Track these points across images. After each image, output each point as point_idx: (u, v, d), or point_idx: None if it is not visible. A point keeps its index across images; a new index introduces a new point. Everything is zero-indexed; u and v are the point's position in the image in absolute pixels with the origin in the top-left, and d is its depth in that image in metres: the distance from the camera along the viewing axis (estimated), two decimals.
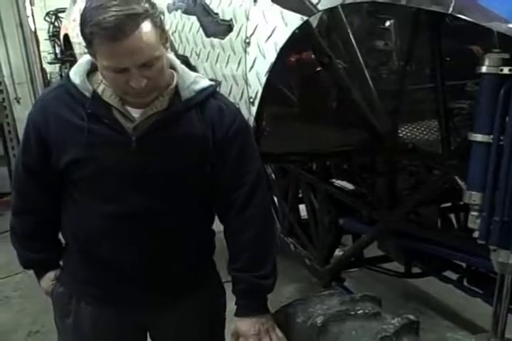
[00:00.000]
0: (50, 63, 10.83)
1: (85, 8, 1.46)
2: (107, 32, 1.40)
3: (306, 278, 3.72)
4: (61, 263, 1.88)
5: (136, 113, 1.61)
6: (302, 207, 3.50)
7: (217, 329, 1.95)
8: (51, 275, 1.86)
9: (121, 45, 1.41)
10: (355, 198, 2.80)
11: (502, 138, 1.54)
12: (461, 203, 2.91)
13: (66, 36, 6.71)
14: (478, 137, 1.60)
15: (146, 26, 1.43)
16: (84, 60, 1.66)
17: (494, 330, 1.70)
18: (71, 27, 6.42)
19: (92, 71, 1.64)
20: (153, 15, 1.46)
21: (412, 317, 1.44)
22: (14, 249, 1.86)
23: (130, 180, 1.62)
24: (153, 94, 1.57)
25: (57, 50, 11.04)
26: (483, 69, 1.56)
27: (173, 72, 1.66)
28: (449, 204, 3.02)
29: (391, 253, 3.05)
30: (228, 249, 1.79)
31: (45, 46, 11.76)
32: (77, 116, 1.59)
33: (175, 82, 1.64)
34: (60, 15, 10.67)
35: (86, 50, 1.58)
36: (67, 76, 1.65)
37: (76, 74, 1.63)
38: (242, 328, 1.71)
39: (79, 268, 1.78)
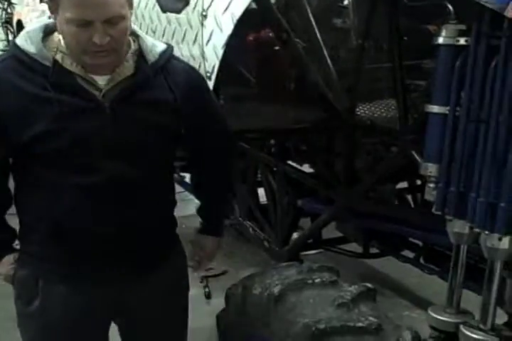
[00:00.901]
0: (2, 51, 10.57)
1: None
2: None
3: (264, 262, 3.71)
4: (17, 245, 1.79)
5: (101, 80, 1.56)
6: (261, 192, 3.49)
7: (182, 309, 1.94)
8: (10, 258, 1.75)
9: None
10: (314, 179, 2.80)
11: (458, 109, 1.56)
12: (418, 184, 2.95)
13: (19, 22, 6.55)
14: (435, 108, 1.61)
15: None
16: (34, 27, 1.58)
17: (449, 301, 1.72)
18: (24, 13, 6.27)
19: (44, 38, 1.57)
20: None
21: (368, 285, 1.44)
22: None
23: (106, 149, 1.57)
24: (111, 56, 1.52)
25: (11, 37, 10.77)
26: (440, 40, 1.57)
27: (132, 39, 1.62)
28: (406, 186, 3.06)
29: (349, 234, 3.07)
30: (197, 190, 2.02)
31: None
32: (39, 87, 1.51)
33: (136, 47, 1.62)
34: (12, 1, 10.41)
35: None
36: (16, 46, 1.55)
37: (29, 42, 1.54)
38: (208, 244, 1.94)
39: (46, 248, 1.68)
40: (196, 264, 1.95)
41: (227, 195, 2.10)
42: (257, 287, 1.52)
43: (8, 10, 10.81)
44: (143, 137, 1.61)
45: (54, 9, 1.47)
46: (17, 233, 1.76)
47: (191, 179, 2.05)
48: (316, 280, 1.44)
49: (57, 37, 1.55)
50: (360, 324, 1.28)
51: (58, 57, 1.53)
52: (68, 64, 1.53)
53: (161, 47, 1.66)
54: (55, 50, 1.54)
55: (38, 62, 1.52)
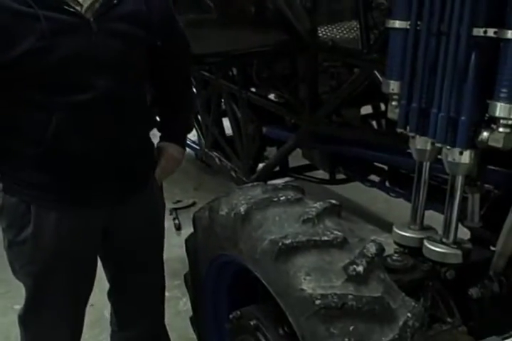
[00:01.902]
0: None
1: None
2: None
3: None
4: None
5: None
6: (227, 123, 3.47)
7: (161, 228, 2.02)
8: None
9: None
10: (278, 105, 2.78)
11: (419, 23, 1.53)
12: (383, 110, 2.94)
13: None
14: (396, 23, 1.58)
15: None
16: None
17: (413, 217, 1.75)
18: None
19: None
20: None
21: (333, 201, 1.46)
22: None
23: (95, 64, 1.57)
24: None
25: None
26: None
27: None
28: (370, 112, 3.05)
29: (316, 161, 3.08)
30: (159, 103, 1.97)
31: None
32: (21, 3, 1.47)
33: None
34: None
35: None
36: None
37: None
38: (171, 152, 1.94)
39: (36, 173, 1.66)
40: (159, 172, 1.93)
41: (189, 107, 2.14)
42: (224, 208, 1.52)
43: None
44: (127, 50, 1.64)
45: None
46: None
47: (153, 96, 1.99)
48: (282, 198, 1.44)
49: None
50: (325, 238, 1.30)
51: None
52: None
53: None
54: None
55: None
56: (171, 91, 1.95)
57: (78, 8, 1.54)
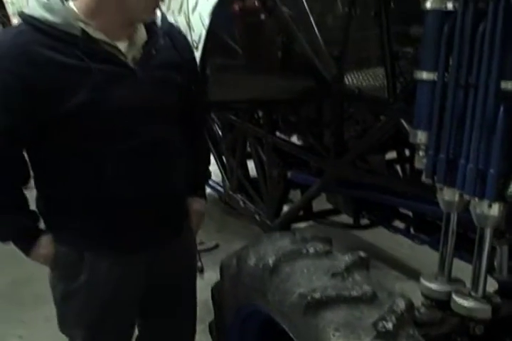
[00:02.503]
0: None
1: None
2: None
3: (256, 235, 3.72)
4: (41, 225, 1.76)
5: (122, 46, 1.60)
6: (251, 166, 3.48)
7: (195, 275, 2.05)
8: (48, 238, 1.73)
9: None
10: (303, 150, 2.79)
11: (446, 74, 1.55)
12: (407, 155, 2.94)
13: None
14: (424, 74, 1.60)
15: None
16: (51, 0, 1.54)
17: (441, 269, 1.72)
18: None
19: None
20: None
21: (362, 253, 1.44)
22: None
23: (143, 111, 1.62)
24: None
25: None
26: (428, 5, 1.55)
27: None
28: (395, 157, 3.05)
29: (340, 205, 3.07)
30: None
31: None
32: (72, 57, 1.50)
33: None
34: None
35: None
36: (33, 17, 1.51)
37: (51, 13, 1.51)
38: (197, 207, 1.98)
39: (87, 221, 1.69)
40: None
41: (207, 158, 2.17)
42: (252, 257, 1.52)
43: None
44: (167, 96, 1.70)
45: None
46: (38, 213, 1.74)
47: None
48: (310, 250, 1.44)
49: (74, 6, 1.55)
50: (354, 293, 1.28)
51: (82, 25, 1.52)
52: (92, 32, 1.53)
53: (158, 12, 1.71)
54: (76, 19, 1.53)
55: (64, 32, 1.50)
56: (192, 143, 1.96)
57: (122, 58, 1.59)
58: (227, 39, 2.38)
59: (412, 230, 2.74)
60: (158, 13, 1.71)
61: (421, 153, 1.67)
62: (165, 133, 1.70)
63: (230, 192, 3.64)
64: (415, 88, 1.65)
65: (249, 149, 3.40)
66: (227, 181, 3.68)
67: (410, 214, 2.73)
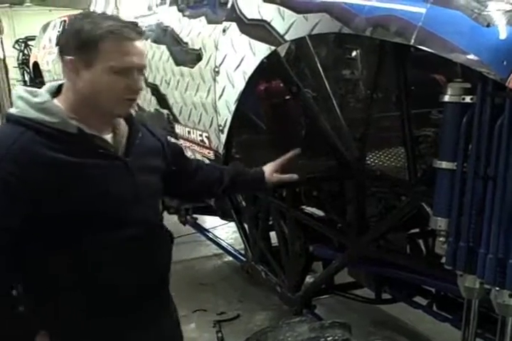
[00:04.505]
0: None
1: (73, 22, 1.56)
2: (126, 31, 1.51)
3: (277, 306, 3.70)
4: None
5: (109, 138, 1.65)
6: (273, 235, 3.50)
7: None
8: (45, 336, 1.67)
9: (136, 44, 1.53)
10: (325, 225, 2.81)
11: (465, 165, 1.58)
12: (429, 229, 2.94)
13: (36, 64, 6.70)
14: (443, 164, 1.64)
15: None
16: (40, 99, 1.57)
17: None
18: (41, 55, 6.41)
19: None
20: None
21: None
22: None
23: (135, 200, 1.66)
24: (134, 107, 1.70)
25: (27, 78, 10.98)
26: (446, 98, 1.61)
27: None
28: (417, 230, 3.05)
29: (361, 279, 3.06)
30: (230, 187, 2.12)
31: (14, 74, 11.71)
32: (69, 155, 1.53)
33: None
34: (29, 42, 10.65)
35: (56, 77, 1.58)
36: (28, 119, 1.54)
37: (46, 114, 1.54)
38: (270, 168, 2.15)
39: (76, 311, 1.66)
40: None
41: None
42: None
43: (25, 51, 11.08)
44: (154, 181, 1.76)
45: (85, 64, 1.52)
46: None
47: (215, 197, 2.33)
48: (329, 339, 1.45)
49: (59, 103, 1.59)
50: None
51: (76, 123, 1.56)
52: (86, 128, 1.58)
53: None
54: (69, 117, 1.56)
55: (61, 131, 1.54)
56: (220, 177, 2.10)
57: (113, 150, 1.64)
58: (252, 116, 2.46)
59: (434, 307, 2.72)
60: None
61: (441, 239, 1.70)
62: (152, 215, 1.76)
63: (252, 263, 3.64)
64: (436, 172, 1.69)
65: (271, 221, 3.43)
66: (249, 251, 3.69)
67: (433, 290, 2.71)
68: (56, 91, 1.63)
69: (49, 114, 1.54)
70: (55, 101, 1.60)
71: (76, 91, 1.58)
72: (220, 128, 2.17)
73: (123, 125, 1.70)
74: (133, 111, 1.76)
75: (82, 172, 1.55)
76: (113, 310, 1.69)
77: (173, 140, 2.71)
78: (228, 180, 2.08)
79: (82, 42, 1.52)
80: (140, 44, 1.55)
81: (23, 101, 1.57)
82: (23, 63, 11.09)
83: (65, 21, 10.57)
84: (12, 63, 11.42)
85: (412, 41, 1.36)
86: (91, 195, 1.57)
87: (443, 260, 1.70)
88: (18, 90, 1.62)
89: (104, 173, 1.59)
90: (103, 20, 1.54)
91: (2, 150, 1.50)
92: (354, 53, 2.51)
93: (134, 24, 1.58)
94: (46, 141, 1.52)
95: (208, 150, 2.40)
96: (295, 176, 2.19)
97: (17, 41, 11.60)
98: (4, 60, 6.66)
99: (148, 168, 1.73)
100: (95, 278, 1.62)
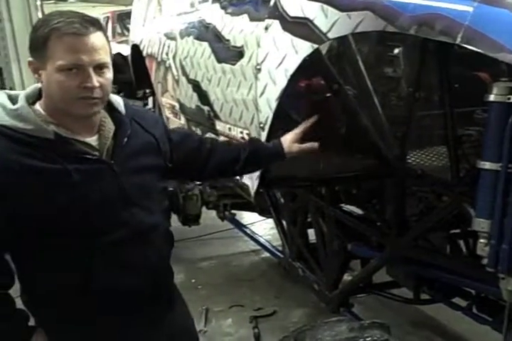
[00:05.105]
0: None
1: (37, 21, 1.56)
2: (70, 27, 1.45)
3: (314, 303, 3.70)
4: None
5: (92, 141, 1.61)
6: (311, 231, 3.50)
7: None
8: (40, 335, 1.67)
9: (84, 40, 1.46)
10: (364, 224, 2.80)
11: (510, 165, 1.56)
12: (470, 229, 2.90)
13: None
14: (487, 165, 1.61)
15: (102, 34, 1.52)
16: (18, 105, 1.54)
17: None
18: None
19: None
20: (105, 31, 1.55)
21: None
22: None
23: (124, 201, 1.63)
24: (99, 106, 1.56)
25: None
26: (491, 97, 1.58)
27: None
28: (458, 231, 3.01)
29: (400, 279, 3.03)
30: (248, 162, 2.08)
31: None
32: (47, 161, 1.50)
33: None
34: None
35: None
36: (2, 125, 1.50)
37: (21, 120, 1.51)
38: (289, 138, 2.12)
39: (75, 314, 1.66)
40: None
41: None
42: None
43: None
44: (147, 181, 1.71)
45: (41, 64, 1.49)
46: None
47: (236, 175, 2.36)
48: (368, 339, 1.44)
49: (40, 107, 1.57)
50: None
51: (53, 127, 1.53)
52: (63, 132, 1.55)
53: (119, 98, 1.73)
54: (46, 122, 1.54)
55: (37, 137, 1.51)
56: (238, 155, 2.06)
57: (97, 153, 1.59)
58: (292, 114, 2.45)
59: (474, 309, 2.68)
60: (120, 100, 1.72)
61: (483, 241, 1.67)
62: (147, 216, 1.69)
63: (290, 260, 3.65)
64: (479, 173, 1.67)
65: (309, 218, 3.42)
66: (287, 248, 3.70)
67: (473, 291, 2.68)
68: (39, 95, 1.59)
69: (23, 120, 1.51)
70: (37, 105, 1.57)
71: (45, 93, 1.56)
72: (261, 125, 2.17)
73: (109, 125, 1.64)
74: (122, 109, 1.70)
75: (62, 179, 1.52)
76: (112, 310, 1.67)
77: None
78: (245, 158, 2.04)
79: (33, 42, 1.51)
80: (93, 39, 1.48)
81: (0, 107, 1.54)
82: None
83: (108, 17, 10.74)
84: None
85: (459, 40, 1.34)
86: (71, 201, 1.53)
87: (484, 261, 1.67)
88: None
89: (86, 178, 1.54)
90: (56, 17, 1.48)
91: None
92: (396, 51, 2.48)
93: (87, 18, 1.50)
94: (22, 148, 1.49)
95: None
96: (315, 145, 2.14)
97: None
98: None
99: (140, 167, 1.68)
100: (89, 281, 1.61)
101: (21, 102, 1.54)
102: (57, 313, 1.68)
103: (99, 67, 1.50)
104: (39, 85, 1.59)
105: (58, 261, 1.60)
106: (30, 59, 1.53)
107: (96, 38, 1.48)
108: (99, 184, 1.58)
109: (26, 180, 1.48)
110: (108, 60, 1.53)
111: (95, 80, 1.49)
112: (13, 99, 1.56)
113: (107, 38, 1.55)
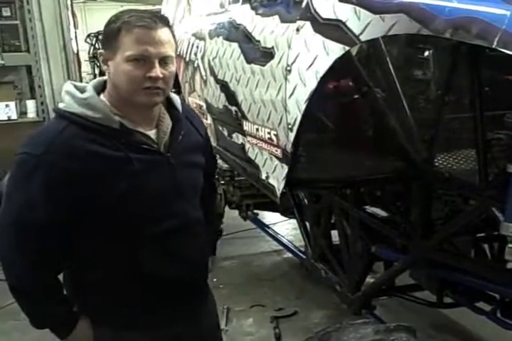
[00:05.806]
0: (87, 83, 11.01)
1: (111, 17, 1.64)
2: (141, 21, 1.56)
3: (335, 305, 3.70)
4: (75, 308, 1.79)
5: (151, 134, 1.71)
6: (334, 233, 3.49)
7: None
8: (85, 322, 1.77)
9: (152, 33, 1.56)
10: (389, 226, 2.79)
11: None
12: (495, 233, 2.88)
13: None
14: None
15: (169, 30, 1.63)
16: (86, 95, 1.64)
17: None
18: None
19: None
20: (172, 28, 1.66)
21: None
22: (32, 312, 1.73)
23: (176, 194, 1.73)
24: (161, 96, 1.65)
25: (97, 71, 11.27)
26: None
27: None
28: (482, 234, 2.99)
29: (423, 282, 3.02)
30: None
31: (84, 67, 12.03)
32: (112, 149, 1.60)
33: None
34: (100, 37, 10.91)
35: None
36: (73, 114, 1.61)
37: (90, 109, 1.61)
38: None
39: (122, 302, 1.74)
40: None
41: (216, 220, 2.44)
42: None
43: (96, 45, 11.36)
44: (195, 176, 1.83)
45: (111, 55, 1.60)
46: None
47: None
48: None
49: (105, 98, 1.67)
50: None
51: (119, 119, 1.63)
52: (128, 124, 1.65)
53: (176, 96, 1.84)
54: (112, 112, 1.64)
55: (105, 126, 1.61)
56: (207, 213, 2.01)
57: (155, 146, 1.69)
58: (320, 116, 2.46)
59: (498, 314, 2.66)
60: (177, 98, 1.83)
61: (511, 246, 1.67)
62: (192, 210, 1.81)
63: (312, 260, 3.65)
64: (508, 177, 1.66)
65: (333, 219, 3.42)
66: (309, 249, 3.70)
67: (497, 295, 2.66)
68: (103, 87, 1.69)
69: (92, 109, 1.61)
70: (101, 96, 1.67)
71: (111, 84, 1.65)
72: (290, 126, 2.18)
73: (167, 121, 1.75)
74: (179, 106, 1.81)
75: (124, 166, 1.61)
76: (156, 296, 1.74)
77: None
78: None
79: (106, 35, 1.63)
80: (161, 33, 1.58)
81: (69, 96, 1.65)
82: (94, 57, 11.39)
83: None
84: (84, 57, 11.74)
85: (495, 44, 1.33)
86: (131, 188, 1.62)
87: (510, 265, 1.67)
88: (67, 85, 1.69)
89: (146, 168, 1.64)
90: (128, 13, 1.61)
91: (45, 143, 1.58)
92: (426, 53, 2.48)
93: (157, 15, 1.63)
94: (89, 134, 1.59)
95: (275, 148, 2.41)
96: None
97: (88, 35, 11.92)
98: (77, 53, 6.86)
99: (191, 163, 1.80)
100: (138, 268, 1.70)
101: (90, 92, 1.65)
102: (104, 299, 1.74)
103: (164, 60, 1.60)
104: (103, 78, 1.70)
105: (110, 248, 1.69)
106: (101, 51, 1.64)
107: (163, 33, 1.59)
108: (157, 174, 1.67)
109: (90, 166, 1.58)
110: (173, 54, 1.63)
111: (159, 71, 1.58)
112: (79, 90, 1.66)
113: (173, 34, 1.65)
